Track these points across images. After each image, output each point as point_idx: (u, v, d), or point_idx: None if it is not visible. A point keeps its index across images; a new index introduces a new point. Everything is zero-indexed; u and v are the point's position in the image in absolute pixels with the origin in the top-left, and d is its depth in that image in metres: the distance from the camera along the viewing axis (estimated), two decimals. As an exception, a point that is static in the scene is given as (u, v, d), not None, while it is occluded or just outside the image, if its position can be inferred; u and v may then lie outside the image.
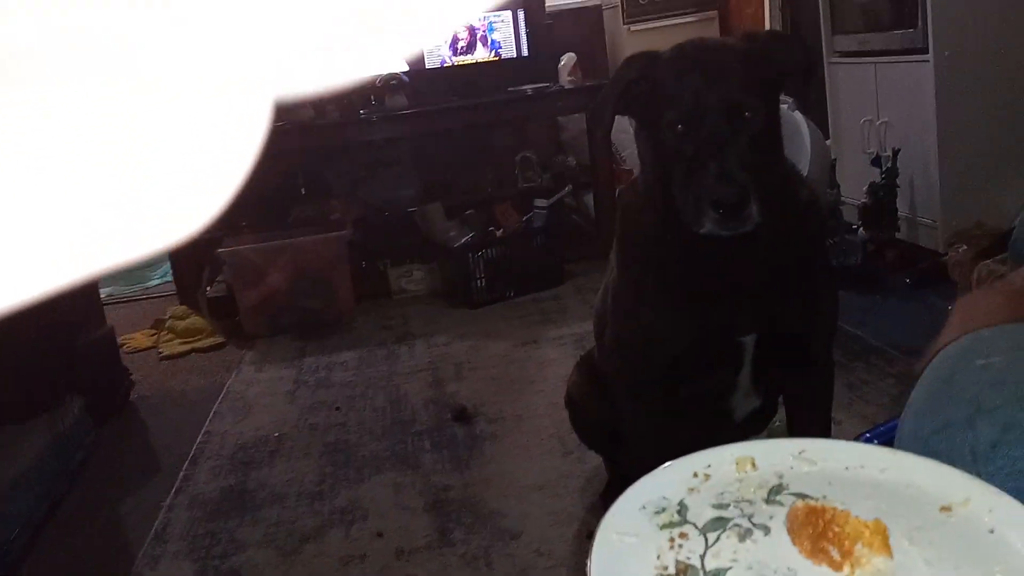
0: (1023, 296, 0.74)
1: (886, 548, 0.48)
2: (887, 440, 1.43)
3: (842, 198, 3.04)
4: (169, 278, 3.67)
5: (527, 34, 3.59)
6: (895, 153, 2.90)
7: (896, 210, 2.92)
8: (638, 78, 1.20)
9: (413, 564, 1.62)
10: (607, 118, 1.25)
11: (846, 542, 0.47)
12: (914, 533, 0.50)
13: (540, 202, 3.47)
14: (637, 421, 1.41)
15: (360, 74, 0.19)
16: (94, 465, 2.25)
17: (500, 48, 3.61)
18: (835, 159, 3.17)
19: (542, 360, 2.58)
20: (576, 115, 3.77)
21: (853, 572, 0.47)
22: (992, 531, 0.49)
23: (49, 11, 0.16)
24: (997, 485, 0.52)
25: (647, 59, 1.21)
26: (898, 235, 2.97)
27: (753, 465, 0.57)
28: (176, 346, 3.11)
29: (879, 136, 3.05)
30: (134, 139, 0.17)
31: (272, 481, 2.03)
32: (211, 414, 2.49)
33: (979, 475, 0.55)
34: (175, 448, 2.30)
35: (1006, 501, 0.50)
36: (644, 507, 0.54)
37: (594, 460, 1.85)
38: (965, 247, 2.56)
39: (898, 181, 2.89)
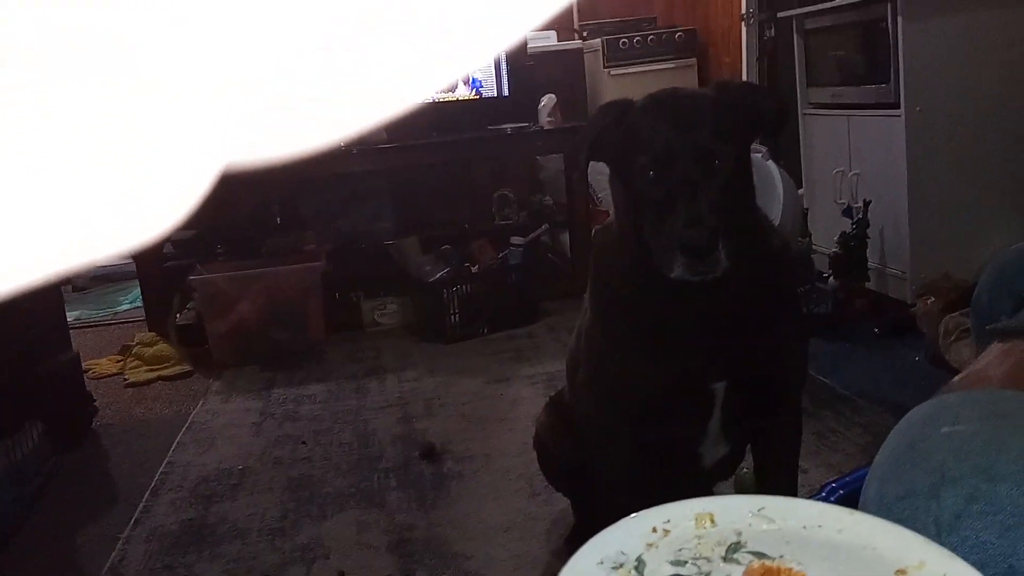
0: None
1: (841, 612, 0.48)
2: (852, 489, 1.43)
3: (813, 247, 3.08)
4: (139, 304, 3.63)
5: (508, 74, 3.63)
6: (866, 204, 2.95)
7: (866, 260, 2.96)
8: (612, 125, 1.22)
9: (374, 605, 1.59)
10: (582, 163, 1.26)
11: (801, 604, 0.47)
12: (869, 596, 0.50)
13: (516, 240, 3.48)
14: (607, 465, 1.41)
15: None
16: (52, 493, 2.19)
17: (481, 87, 3.64)
18: (807, 208, 3.22)
19: (514, 398, 2.57)
20: (554, 155, 3.81)
21: (807, 636, 0.46)
22: (946, 596, 0.49)
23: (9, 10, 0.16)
24: (961, 556, 0.52)
25: (621, 107, 1.23)
26: (868, 285, 3.01)
27: (712, 521, 0.57)
28: (142, 373, 3.06)
29: (851, 187, 3.10)
30: (97, 139, 0.17)
31: (233, 515, 2.00)
32: (174, 444, 2.45)
33: (943, 545, 0.55)
34: (136, 478, 2.26)
35: (960, 567, 0.50)
36: (602, 562, 0.54)
37: (561, 502, 1.84)
38: (933, 299, 2.60)
39: (868, 232, 2.93)
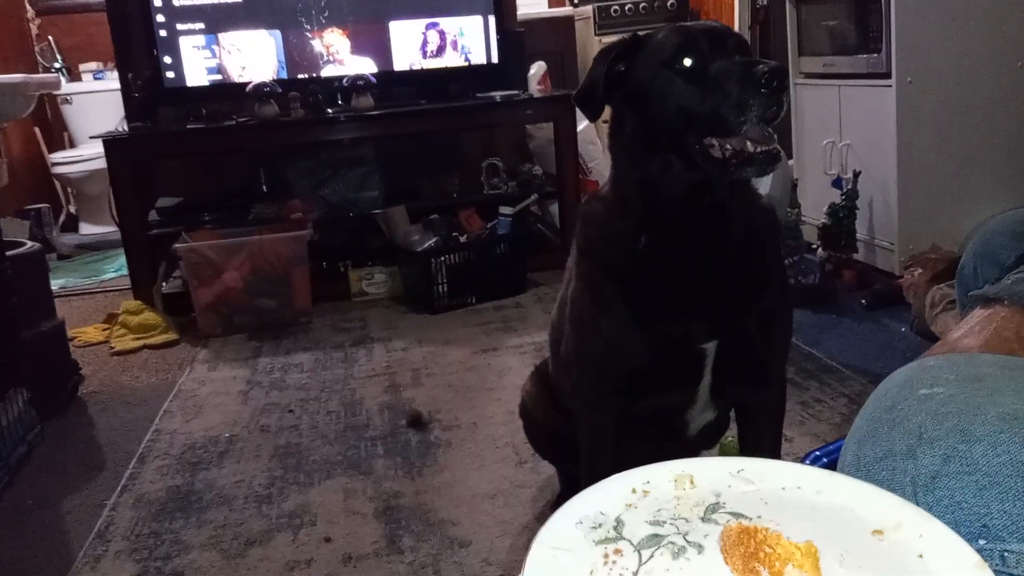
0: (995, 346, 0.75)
1: (816, 570, 0.48)
2: (835, 459, 1.45)
3: (802, 218, 3.08)
4: (125, 272, 3.61)
5: (498, 41, 3.59)
6: (856, 175, 2.95)
7: (855, 231, 2.96)
8: (623, 54, 1.20)
9: (360, 571, 1.60)
10: (599, 91, 1.22)
11: (777, 563, 0.47)
12: (845, 556, 0.50)
13: (505, 210, 3.47)
14: (593, 435, 1.41)
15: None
16: (37, 461, 2.19)
17: (470, 54, 3.61)
18: (797, 180, 3.22)
19: (501, 368, 2.58)
20: (544, 124, 3.78)
21: (783, 594, 0.47)
22: (921, 556, 0.50)
23: None
24: (936, 516, 0.52)
25: (628, 39, 1.22)
26: (856, 256, 3.02)
27: (692, 483, 0.57)
28: (128, 342, 3.05)
29: (841, 158, 3.10)
30: None
31: (220, 483, 2.00)
32: (161, 412, 2.45)
33: (919, 505, 0.55)
34: (122, 446, 2.26)
35: (936, 527, 0.51)
36: (581, 522, 0.54)
37: (548, 470, 1.85)
38: (920, 270, 2.61)
39: (858, 203, 2.93)
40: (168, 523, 1.84)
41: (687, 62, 1.14)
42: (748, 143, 1.10)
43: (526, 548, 0.48)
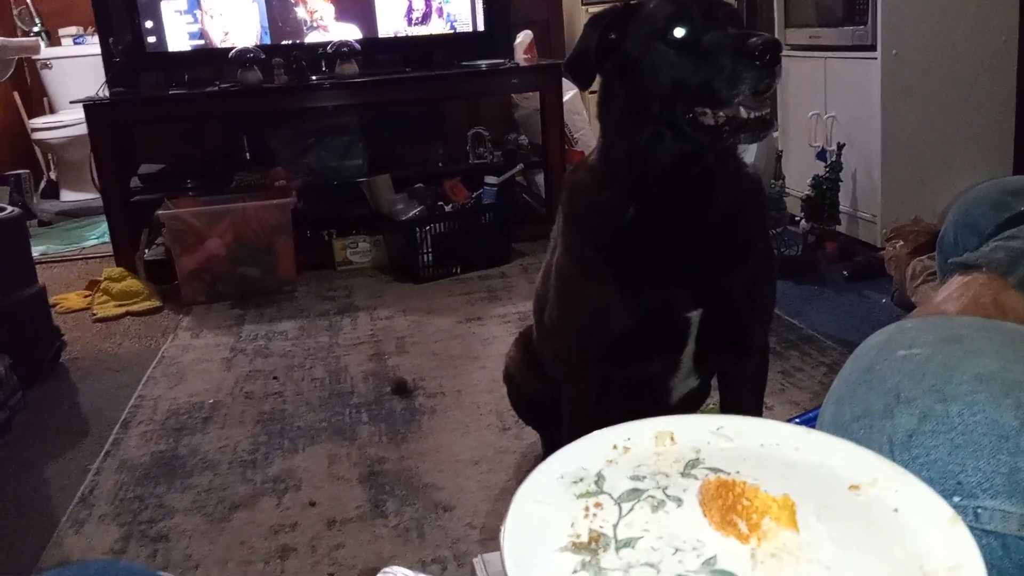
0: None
1: (793, 523, 0.49)
2: (812, 427, 1.47)
3: (786, 190, 3.09)
4: (106, 239, 3.58)
5: (483, 8, 3.56)
6: (840, 148, 2.96)
7: (838, 204, 2.98)
8: (615, 23, 1.20)
9: (345, 534, 1.61)
10: (591, 59, 1.21)
11: (754, 515, 0.48)
12: (821, 510, 0.51)
13: (491, 179, 3.45)
14: (575, 402, 1.42)
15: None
16: (19, 426, 2.19)
17: (455, 21, 3.57)
18: (781, 151, 3.22)
19: (485, 337, 2.58)
20: (530, 94, 3.76)
21: (759, 545, 0.48)
22: (896, 511, 0.51)
23: None
24: (912, 473, 0.53)
25: (620, 7, 1.21)
26: (838, 228, 3.04)
27: (672, 440, 0.58)
28: (111, 308, 3.03)
29: (826, 130, 3.10)
30: None
31: (204, 448, 2.00)
32: (144, 378, 2.44)
33: (895, 463, 0.56)
34: (106, 412, 2.25)
35: (911, 482, 0.52)
36: (562, 477, 0.55)
37: (531, 436, 1.87)
38: (902, 243, 2.63)
39: (841, 176, 2.94)
40: (152, 488, 1.84)
41: (679, 33, 1.13)
42: (741, 109, 1.10)
43: (504, 522, 0.49)
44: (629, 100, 1.21)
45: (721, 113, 1.12)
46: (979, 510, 0.55)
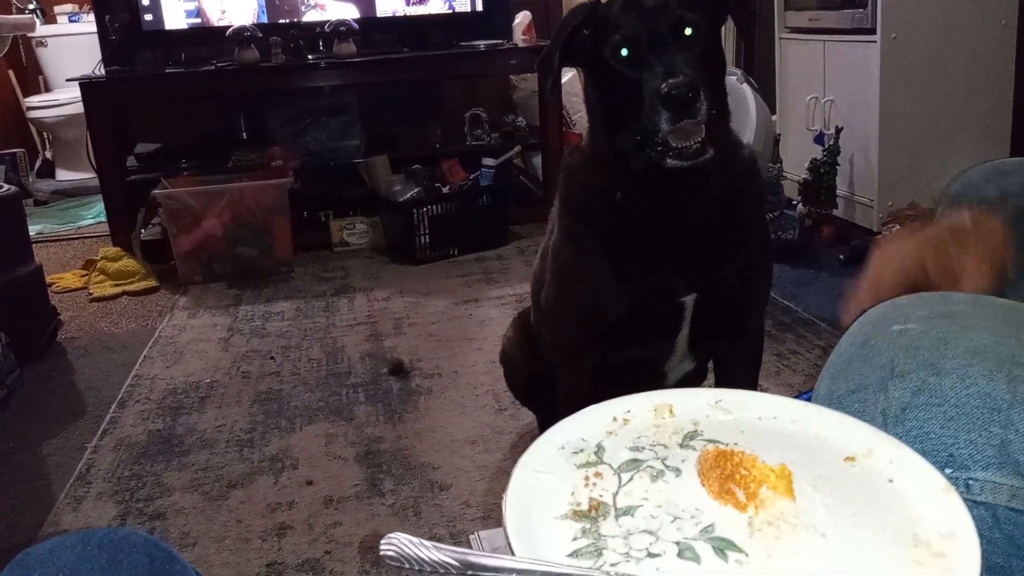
0: (933, 242, 0.76)
1: (790, 492, 0.50)
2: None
3: (784, 173, 3.09)
4: (102, 218, 3.57)
5: (482, -11, 3.54)
6: (838, 131, 2.96)
7: (835, 187, 2.98)
8: (582, 24, 1.21)
9: (341, 512, 1.62)
10: (554, 65, 1.24)
11: (752, 485, 0.49)
12: (818, 481, 0.52)
13: (488, 161, 3.45)
14: (571, 384, 1.42)
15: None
16: (16, 405, 2.19)
17: (454, 1, 3.55)
18: (779, 134, 3.22)
19: (482, 319, 2.59)
20: (529, 75, 3.75)
21: (756, 514, 0.48)
22: (891, 481, 0.51)
23: None
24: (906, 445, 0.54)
25: (588, 6, 1.22)
26: (835, 212, 3.05)
27: (671, 412, 0.59)
28: (107, 288, 3.03)
29: (824, 114, 3.10)
30: None
31: (201, 427, 2.01)
32: (141, 358, 2.45)
33: (890, 435, 0.57)
34: (103, 391, 2.26)
35: (906, 453, 0.53)
36: (563, 447, 0.55)
37: (527, 417, 1.88)
38: (898, 227, 2.63)
39: (839, 159, 2.95)
40: (149, 466, 1.85)
41: (624, 52, 1.15)
42: (670, 138, 1.13)
43: (506, 491, 0.49)
44: (600, 99, 1.24)
45: (659, 137, 1.14)
46: (971, 481, 0.55)
